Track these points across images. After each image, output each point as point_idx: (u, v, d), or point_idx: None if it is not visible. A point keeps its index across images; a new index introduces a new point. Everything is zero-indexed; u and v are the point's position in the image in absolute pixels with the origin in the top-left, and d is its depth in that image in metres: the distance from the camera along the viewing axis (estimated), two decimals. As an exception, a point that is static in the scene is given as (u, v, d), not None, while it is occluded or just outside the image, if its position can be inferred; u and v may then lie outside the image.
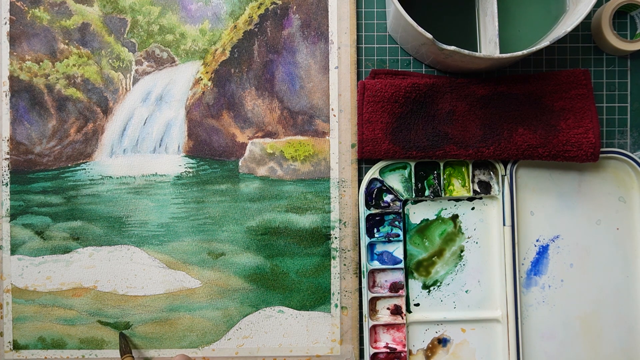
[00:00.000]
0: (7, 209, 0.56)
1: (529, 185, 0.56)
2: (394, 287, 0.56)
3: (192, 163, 0.56)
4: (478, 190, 0.56)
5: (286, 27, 0.56)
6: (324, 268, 0.56)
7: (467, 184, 0.56)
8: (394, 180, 0.56)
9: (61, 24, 0.56)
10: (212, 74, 0.56)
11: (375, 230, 0.56)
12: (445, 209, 0.56)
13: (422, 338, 0.56)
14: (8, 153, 0.56)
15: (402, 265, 0.56)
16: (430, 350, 0.56)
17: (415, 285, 0.56)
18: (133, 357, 0.53)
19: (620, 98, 0.57)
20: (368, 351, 0.55)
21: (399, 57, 0.57)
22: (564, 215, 0.56)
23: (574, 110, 0.53)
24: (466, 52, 0.47)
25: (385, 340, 0.56)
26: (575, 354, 0.56)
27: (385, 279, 0.56)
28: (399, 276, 0.56)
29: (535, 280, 0.56)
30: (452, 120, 0.54)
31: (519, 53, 0.47)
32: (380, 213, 0.56)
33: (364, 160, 0.57)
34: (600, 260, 0.56)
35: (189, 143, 0.56)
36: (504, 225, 0.55)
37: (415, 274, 0.56)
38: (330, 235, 0.56)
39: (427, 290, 0.56)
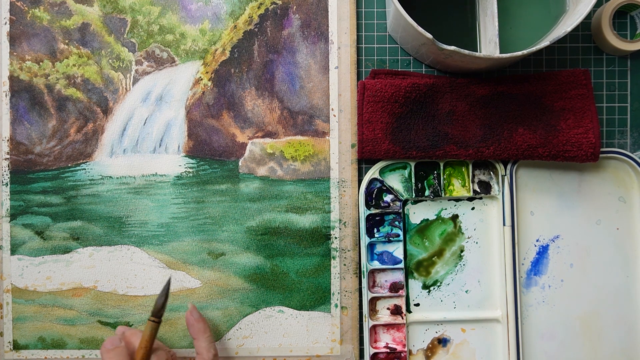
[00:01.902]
0: (7, 209, 0.56)
1: (529, 185, 0.56)
2: (394, 287, 0.56)
3: (192, 163, 0.56)
4: (478, 190, 0.56)
5: (286, 27, 0.56)
6: (324, 268, 0.56)
7: (467, 184, 0.56)
8: (394, 180, 0.56)
9: (61, 24, 0.56)
10: (212, 74, 0.56)
11: (375, 230, 0.56)
12: (445, 209, 0.57)
13: (422, 338, 0.56)
14: (8, 153, 0.56)
15: (402, 265, 0.56)
16: (430, 350, 0.56)
17: (415, 285, 0.56)
18: (159, 323, 0.48)
19: (620, 98, 0.57)
20: (368, 351, 0.55)
21: (399, 57, 0.57)
22: (564, 215, 0.56)
23: (574, 110, 0.53)
24: (466, 52, 0.47)
25: (385, 340, 0.56)
26: (575, 354, 0.56)
27: (385, 279, 0.56)
28: (399, 276, 0.56)
29: (535, 280, 0.56)
30: (452, 120, 0.54)
31: (519, 53, 0.47)
32: (380, 213, 0.56)
33: (364, 160, 0.57)
34: (600, 260, 0.56)
35: (189, 143, 0.56)
36: (504, 225, 0.55)
37: (415, 274, 0.56)
38: (330, 235, 0.56)
39: (427, 290, 0.56)
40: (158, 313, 0.49)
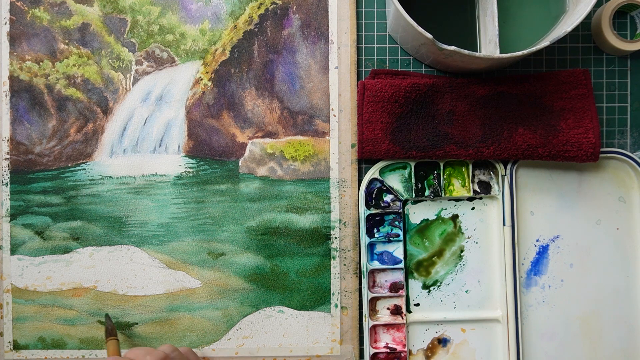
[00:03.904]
0: (7, 209, 0.56)
1: (529, 185, 0.56)
2: (394, 287, 0.56)
3: (192, 163, 0.56)
4: (478, 190, 0.56)
5: (286, 27, 0.56)
6: (324, 268, 0.56)
7: (467, 184, 0.56)
8: (394, 180, 0.56)
9: (61, 24, 0.56)
10: (212, 74, 0.56)
11: (375, 230, 0.56)
12: (445, 209, 0.56)
13: (422, 338, 0.56)
14: (8, 153, 0.56)
15: (402, 265, 0.56)
16: (430, 350, 0.56)
17: (415, 285, 0.56)
18: (118, 340, 0.53)
19: (620, 98, 0.57)
20: (368, 351, 0.55)
21: (399, 57, 0.57)
22: (564, 215, 0.56)
23: (574, 110, 0.53)
24: (466, 52, 0.47)
25: (385, 340, 0.56)
26: (575, 354, 0.56)
27: (385, 279, 0.56)
28: (399, 276, 0.56)
29: (535, 280, 0.56)
30: (452, 120, 0.54)
31: (519, 53, 0.47)
32: (380, 213, 0.56)
33: (364, 160, 0.57)
34: (600, 260, 0.56)
35: (189, 143, 0.56)
36: (504, 225, 0.55)
37: (415, 274, 0.56)
38: (330, 235, 0.56)
39: (427, 290, 0.56)
40: (112, 332, 0.53)
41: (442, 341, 0.56)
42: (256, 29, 0.56)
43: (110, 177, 0.56)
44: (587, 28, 0.57)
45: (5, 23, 0.56)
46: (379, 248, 0.56)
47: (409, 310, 0.56)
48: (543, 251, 0.56)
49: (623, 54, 0.56)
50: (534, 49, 0.47)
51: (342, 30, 0.56)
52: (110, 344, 0.52)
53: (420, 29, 0.46)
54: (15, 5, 0.56)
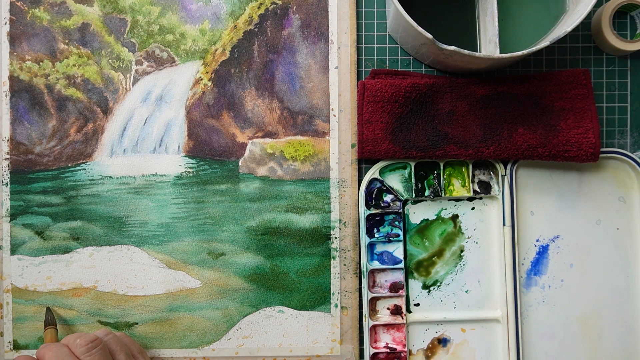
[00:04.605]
0: (7, 209, 0.56)
1: (529, 185, 0.56)
2: (394, 287, 0.56)
3: (192, 163, 0.56)
4: (478, 190, 0.56)
5: (286, 27, 0.56)
6: (324, 268, 0.56)
7: (467, 184, 0.56)
8: (394, 180, 0.56)
9: (61, 24, 0.56)
10: (212, 74, 0.56)
11: (375, 230, 0.56)
12: (445, 209, 0.56)
13: (422, 338, 0.56)
14: (8, 153, 0.56)
15: (402, 265, 0.56)
16: (430, 350, 0.56)
17: (415, 285, 0.56)
18: (57, 329, 0.53)
19: (620, 98, 0.57)
20: (368, 351, 0.55)
21: (399, 57, 0.57)
22: (564, 215, 0.56)
23: (574, 110, 0.53)
24: (466, 52, 0.47)
25: (385, 340, 0.56)
26: (575, 354, 0.56)
27: (385, 279, 0.56)
28: (399, 276, 0.56)
29: (535, 280, 0.56)
30: (452, 120, 0.54)
31: (519, 53, 0.47)
32: (380, 213, 0.56)
33: (364, 160, 0.57)
34: (600, 260, 0.56)
35: (189, 143, 0.56)
36: (504, 225, 0.55)
37: (415, 274, 0.56)
38: (330, 235, 0.56)
39: (427, 290, 0.56)
40: (52, 322, 0.53)
41: (442, 341, 0.56)
42: (256, 29, 0.56)
43: (110, 177, 0.56)
44: (587, 28, 0.57)
45: (5, 23, 0.56)
46: (379, 248, 0.56)
47: (409, 310, 0.56)
48: (543, 251, 0.56)
49: (623, 54, 0.56)
50: (534, 49, 0.47)
51: (342, 30, 0.56)
52: (47, 332, 0.53)
53: (420, 29, 0.46)
54: (15, 5, 0.56)
